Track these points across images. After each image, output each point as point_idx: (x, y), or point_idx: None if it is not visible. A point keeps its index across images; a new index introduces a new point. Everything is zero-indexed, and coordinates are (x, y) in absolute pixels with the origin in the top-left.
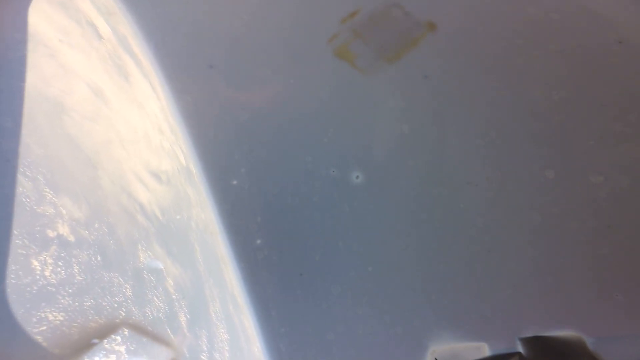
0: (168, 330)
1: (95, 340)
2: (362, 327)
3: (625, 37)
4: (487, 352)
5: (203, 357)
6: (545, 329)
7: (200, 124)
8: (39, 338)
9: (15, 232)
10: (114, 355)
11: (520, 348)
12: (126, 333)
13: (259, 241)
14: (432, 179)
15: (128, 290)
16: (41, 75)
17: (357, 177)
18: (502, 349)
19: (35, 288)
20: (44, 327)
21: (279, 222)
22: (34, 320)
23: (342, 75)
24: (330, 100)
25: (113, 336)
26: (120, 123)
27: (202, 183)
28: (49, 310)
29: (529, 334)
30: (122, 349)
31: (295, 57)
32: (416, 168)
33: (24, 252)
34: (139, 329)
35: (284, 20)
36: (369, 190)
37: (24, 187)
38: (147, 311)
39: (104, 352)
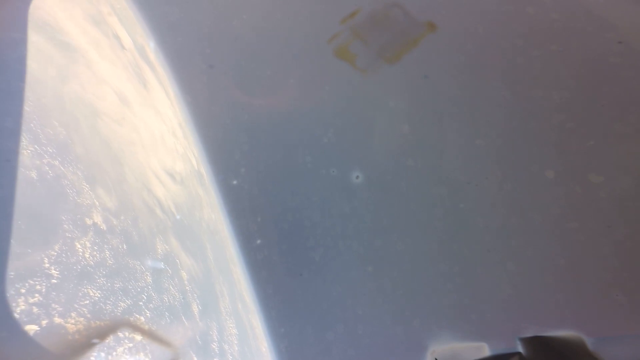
0: (183, 317)
1: (95, 340)
2: (362, 327)
3: (625, 37)
4: (487, 352)
5: (214, 346)
6: (545, 329)
7: (203, 123)
8: (39, 338)
9: (63, 218)
10: (114, 355)
11: (520, 348)
12: (126, 333)
13: (259, 241)
14: (432, 179)
15: (148, 277)
16: (80, 83)
17: (357, 177)
18: (502, 349)
19: (79, 267)
20: (87, 302)
21: (279, 222)
22: (80, 294)
23: (342, 75)
24: (330, 100)
25: (113, 336)
26: (141, 126)
27: (211, 186)
28: (89, 287)
29: (529, 334)
30: (122, 349)
31: (295, 57)
32: (416, 168)
33: (70, 235)
34: (139, 329)
35: (284, 20)
36: (369, 190)
37: (69, 180)
38: (165, 298)
39: (104, 352)
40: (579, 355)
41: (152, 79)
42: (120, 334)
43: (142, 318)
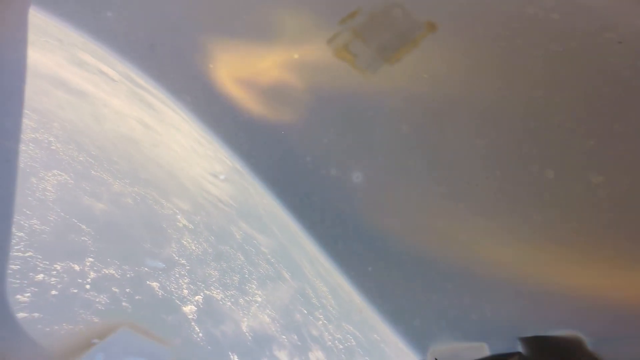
0: (280, 282)
1: (95, 340)
2: (362, 327)
3: (625, 37)
4: (487, 352)
5: (314, 301)
6: (545, 329)
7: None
8: (39, 338)
9: (163, 225)
10: (114, 355)
11: (520, 348)
12: (126, 333)
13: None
14: (432, 179)
15: (240, 257)
16: (110, 121)
17: (357, 177)
18: (502, 349)
19: (194, 257)
20: (214, 279)
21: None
22: (206, 274)
23: (342, 75)
24: (330, 100)
25: (113, 336)
26: (172, 143)
27: (253, 178)
28: (209, 269)
29: (529, 334)
30: (122, 349)
31: (295, 57)
32: (416, 168)
33: (175, 236)
34: (139, 329)
35: (284, 20)
36: (369, 190)
37: (151, 199)
38: (260, 270)
39: (104, 352)
40: (578, 355)
41: (151, 99)
42: (119, 334)
43: (253, 286)
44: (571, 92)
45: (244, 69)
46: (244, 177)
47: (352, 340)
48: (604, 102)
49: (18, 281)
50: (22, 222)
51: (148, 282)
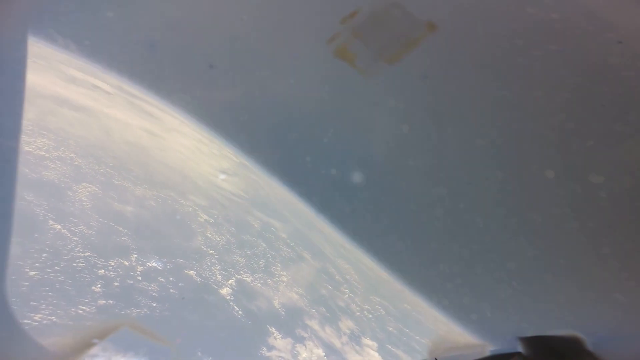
0: (302, 263)
1: (96, 340)
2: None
3: (625, 37)
4: (487, 352)
5: (338, 278)
6: (545, 329)
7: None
8: (39, 338)
9: (187, 222)
10: (114, 355)
11: (520, 348)
12: (126, 333)
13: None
14: (432, 179)
15: (262, 244)
16: (119, 131)
17: (357, 177)
18: (502, 349)
19: (220, 247)
20: (242, 264)
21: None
22: (234, 261)
23: (342, 75)
24: (330, 100)
25: (113, 336)
26: (177, 146)
27: (258, 169)
28: (235, 257)
29: (529, 334)
30: (122, 348)
31: (295, 57)
32: (416, 168)
33: (199, 230)
34: (139, 329)
35: (284, 20)
36: (369, 190)
37: (170, 200)
38: (282, 253)
39: (104, 352)
40: (578, 355)
41: (150, 108)
42: (119, 334)
43: (277, 268)
44: (571, 92)
45: (243, 69)
46: (251, 171)
47: (382, 310)
48: (604, 102)
49: (88, 276)
50: (73, 229)
51: (186, 271)
